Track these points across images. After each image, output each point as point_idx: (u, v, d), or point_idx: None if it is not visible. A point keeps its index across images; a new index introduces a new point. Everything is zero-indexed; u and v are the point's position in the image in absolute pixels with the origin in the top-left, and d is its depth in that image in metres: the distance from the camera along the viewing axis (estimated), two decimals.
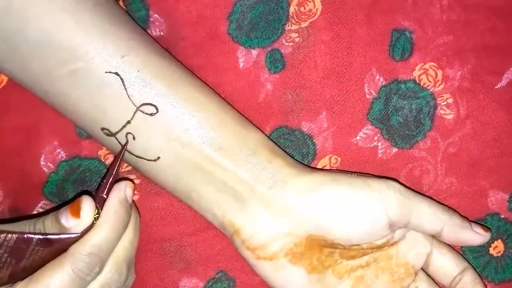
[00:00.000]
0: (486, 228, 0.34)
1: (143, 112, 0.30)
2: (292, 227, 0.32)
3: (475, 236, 0.33)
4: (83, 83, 0.30)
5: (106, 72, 0.30)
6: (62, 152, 0.35)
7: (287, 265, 0.32)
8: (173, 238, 0.36)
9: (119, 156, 0.31)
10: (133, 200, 0.32)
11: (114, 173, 0.30)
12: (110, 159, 0.35)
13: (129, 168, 0.35)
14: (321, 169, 0.36)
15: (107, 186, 0.30)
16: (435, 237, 0.34)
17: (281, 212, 0.31)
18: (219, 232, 0.36)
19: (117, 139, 0.31)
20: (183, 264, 0.36)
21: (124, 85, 0.30)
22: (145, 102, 0.30)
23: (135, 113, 0.30)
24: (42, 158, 0.35)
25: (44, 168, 0.35)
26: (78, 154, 0.35)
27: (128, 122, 0.30)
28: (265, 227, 0.31)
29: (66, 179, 0.35)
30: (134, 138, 0.31)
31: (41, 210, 0.35)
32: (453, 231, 0.33)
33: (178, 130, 0.31)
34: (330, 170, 0.36)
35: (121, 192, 0.30)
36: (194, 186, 0.32)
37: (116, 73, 0.30)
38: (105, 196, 0.30)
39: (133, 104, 0.30)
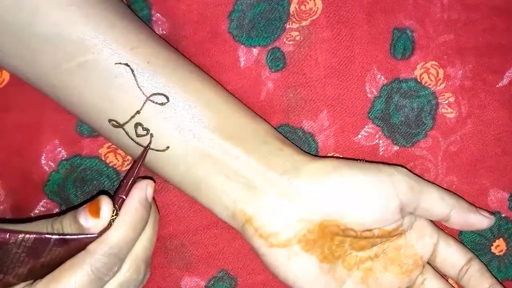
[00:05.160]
0: (491, 212, 0.35)
1: (153, 102, 0.30)
2: (305, 213, 0.31)
3: (483, 219, 0.34)
4: (91, 75, 0.30)
5: (116, 63, 0.30)
6: (62, 151, 0.35)
7: (300, 253, 0.32)
8: (174, 236, 0.36)
9: (141, 156, 0.31)
10: (153, 197, 0.31)
11: (135, 173, 0.30)
12: (110, 157, 0.35)
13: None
14: (330, 157, 0.36)
15: (127, 187, 0.30)
16: (441, 231, 0.35)
17: (294, 198, 0.31)
18: (220, 231, 0.36)
19: (124, 130, 0.31)
20: (184, 263, 0.36)
21: (134, 75, 0.30)
22: (155, 92, 0.30)
23: (145, 102, 0.30)
24: (43, 157, 0.35)
25: (45, 167, 0.35)
26: (78, 153, 0.35)
27: (138, 112, 0.30)
28: (278, 214, 0.31)
29: (67, 178, 0.35)
30: (151, 135, 0.31)
31: (42, 209, 0.35)
32: (461, 215, 0.33)
33: (189, 119, 0.31)
34: (339, 158, 0.36)
35: (142, 192, 0.30)
36: (204, 176, 0.31)
37: (126, 64, 0.30)
38: (124, 197, 0.30)
39: (143, 94, 0.30)
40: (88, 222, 0.28)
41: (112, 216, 0.29)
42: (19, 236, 0.27)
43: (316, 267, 0.32)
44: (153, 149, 0.31)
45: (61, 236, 0.28)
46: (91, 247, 0.28)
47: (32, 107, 0.35)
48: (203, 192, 0.32)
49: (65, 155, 0.35)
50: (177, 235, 0.36)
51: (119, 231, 0.29)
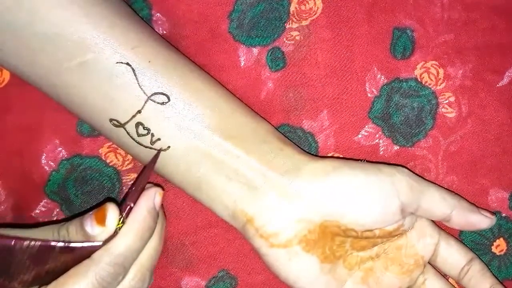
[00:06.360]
0: (492, 212, 0.35)
1: (154, 101, 0.30)
2: (306, 213, 0.31)
3: (483, 218, 0.34)
4: (92, 74, 0.30)
5: (116, 62, 0.30)
6: (63, 150, 0.35)
7: (300, 253, 0.32)
8: (174, 236, 0.36)
9: (151, 164, 0.30)
10: (161, 205, 0.31)
11: (143, 182, 0.30)
12: (110, 157, 0.35)
13: (131, 166, 0.35)
14: (331, 157, 0.36)
15: (136, 194, 0.30)
16: (442, 231, 0.35)
17: (295, 197, 0.31)
18: (220, 231, 0.36)
19: (125, 129, 0.31)
20: (184, 263, 0.36)
21: (135, 75, 0.30)
22: (156, 91, 0.30)
23: (146, 102, 0.30)
24: (44, 156, 0.35)
25: (46, 167, 0.35)
26: (79, 153, 0.35)
27: (139, 111, 0.30)
28: (279, 214, 0.31)
29: (67, 177, 0.35)
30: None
31: (43, 209, 0.35)
32: (462, 215, 0.33)
33: (190, 118, 0.31)
34: (339, 158, 0.36)
35: (150, 201, 0.30)
36: (204, 176, 0.31)
37: (127, 64, 0.30)
38: (132, 205, 0.29)
39: (144, 93, 0.30)
40: (94, 229, 0.28)
41: (119, 224, 0.29)
42: (25, 243, 0.27)
43: (317, 267, 0.32)
44: (154, 149, 0.31)
45: (66, 244, 0.28)
46: (96, 255, 0.28)
47: (32, 107, 0.35)
48: (203, 191, 0.32)
49: (66, 155, 0.35)
50: (177, 235, 0.36)
51: (125, 240, 0.29)
